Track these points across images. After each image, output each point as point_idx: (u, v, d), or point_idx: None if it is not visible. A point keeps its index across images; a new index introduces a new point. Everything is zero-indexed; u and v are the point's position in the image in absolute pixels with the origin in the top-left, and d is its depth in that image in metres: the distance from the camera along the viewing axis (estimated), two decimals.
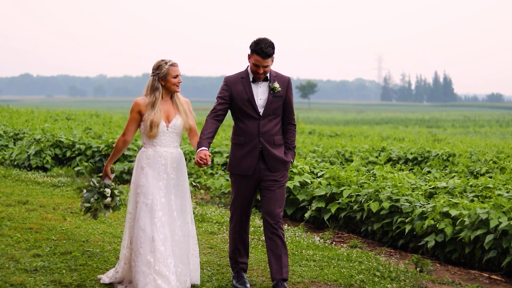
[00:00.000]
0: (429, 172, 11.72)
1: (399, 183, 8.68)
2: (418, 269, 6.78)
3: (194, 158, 13.31)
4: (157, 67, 5.68)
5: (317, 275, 6.46)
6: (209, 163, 5.59)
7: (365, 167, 11.75)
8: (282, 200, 5.85)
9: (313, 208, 8.80)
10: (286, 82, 5.84)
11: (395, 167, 11.82)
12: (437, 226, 7.23)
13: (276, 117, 5.82)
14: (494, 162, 12.20)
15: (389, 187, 8.39)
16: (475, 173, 11.25)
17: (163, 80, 5.69)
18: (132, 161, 13.21)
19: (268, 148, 5.75)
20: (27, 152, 13.91)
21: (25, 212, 8.98)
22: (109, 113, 38.58)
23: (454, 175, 10.76)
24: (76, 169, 13.14)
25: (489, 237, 6.61)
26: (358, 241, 8.01)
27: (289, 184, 8.99)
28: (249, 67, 5.80)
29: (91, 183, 6.11)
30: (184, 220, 5.76)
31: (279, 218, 5.80)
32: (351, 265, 6.87)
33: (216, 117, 5.77)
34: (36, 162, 13.57)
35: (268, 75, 5.77)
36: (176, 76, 5.70)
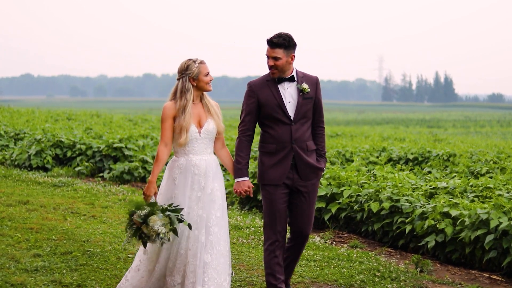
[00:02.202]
0: (429, 172, 11.72)
1: (400, 183, 8.68)
2: (418, 269, 6.79)
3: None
4: (186, 68, 5.27)
5: (318, 275, 6.46)
6: (252, 195, 5.40)
7: (366, 167, 11.75)
8: (312, 214, 5.49)
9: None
10: (314, 82, 5.44)
11: (395, 167, 11.82)
12: (438, 226, 7.24)
13: (308, 121, 5.42)
14: (495, 162, 12.19)
15: (389, 187, 8.39)
16: (475, 173, 11.25)
17: (195, 80, 5.27)
18: (132, 161, 13.21)
19: (301, 155, 5.34)
20: (28, 152, 13.93)
21: (26, 212, 8.98)
22: (110, 113, 38.61)
23: (455, 175, 10.76)
24: (76, 169, 13.16)
25: (490, 237, 6.61)
26: (358, 241, 8.02)
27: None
28: None
29: (149, 204, 5.10)
30: (208, 234, 5.20)
31: (308, 233, 5.51)
32: (351, 265, 6.87)
33: (248, 134, 5.39)
34: (37, 162, 13.58)
35: (295, 75, 5.38)
36: (207, 74, 5.31)
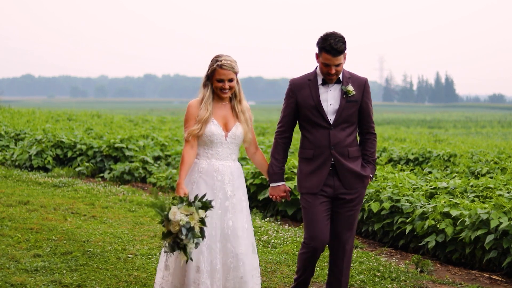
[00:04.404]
0: (430, 172, 11.70)
1: (400, 183, 8.68)
2: (418, 269, 6.78)
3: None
4: (210, 62, 4.88)
5: (318, 275, 6.45)
6: (289, 199, 5.10)
7: None
8: (354, 223, 5.08)
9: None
10: (362, 84, 5.02)
11: (396, 168, 11.81)
12: (438, 226, 7.23)
13: (350, 126, 4.99)
14: (495, 163, 12.18)
15: (389, 188, 8.39)
16: (476, 173, 11.24)
17: (209, 79, 4.90)
18: (133, 162, 13.21)
19: (341, 161, 4.93)
20: (28, 152, 13.94)
21: (26, 212, 8.99)
22: (110, 113, 38.62)
23: (455, 176, 10.74)
24: (77, 169, 13.16)
25: (490, 237, 6.60)
26: (358, 242, 8.01)
27: (290, 184, 8.97)
28: (318, 68, 4.97)
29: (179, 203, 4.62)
30: (239, 246, 4.83)
31: (345, 245, 5.07)
32: (351, 265, 6.86)
33: (285, 136, 5.06)
34: (37, 162, 13.59)
35: (340, 76, 4.96)
36: (221, 81, 4.82)
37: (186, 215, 4.50)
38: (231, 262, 4.81)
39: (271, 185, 5.05)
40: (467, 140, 25.00)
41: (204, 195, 4.60)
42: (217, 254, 4.75)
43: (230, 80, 4.85)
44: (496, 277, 6.67)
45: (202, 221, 4.53)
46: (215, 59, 4.85)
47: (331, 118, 4.92)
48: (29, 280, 5.91)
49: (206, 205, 4.57)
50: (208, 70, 4.87)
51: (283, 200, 5.17)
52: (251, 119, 5.01)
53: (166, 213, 4.54)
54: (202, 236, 4.54)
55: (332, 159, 4.93)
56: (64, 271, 6.25)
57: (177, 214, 4.48)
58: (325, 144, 4.93)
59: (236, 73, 4.88)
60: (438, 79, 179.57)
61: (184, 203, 4.54)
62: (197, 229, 4.50)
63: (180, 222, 4.45)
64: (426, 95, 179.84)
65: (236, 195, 4.88)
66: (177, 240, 4.50)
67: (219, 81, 4.83)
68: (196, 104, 4.88)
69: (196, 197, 4.59)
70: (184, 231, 4.45)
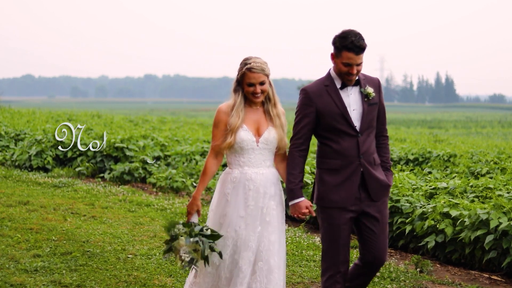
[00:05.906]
0: (430, 172, 11.70)
1: (400, 183, 8.68)
2: (418, 269, 6.78)
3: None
4: (239, 66, 4.61)
5: (317, 276, 6.46)
6: (314, 214, 4.74)
7: None
8: (387, 238, 4.78)
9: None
10: (377, 85, 4.67)
11: (396, 168, 11.81)
12: (438, 226, 7.23)
13: (373, 130, 4.67)
14: (495, 163, 12.18)
15: None
16: (475, 173, 11.24)
17: (240, 84, 4.61)
18: (133, 162, 13.21)
19: (370, 170, 4.58)
20: (28, 152, 13.94)
21: (26, 212, 8.99)
22: (110, 113, 38.61)
23: (455, 176, 10.74)
24: (77, 169, 13.17)
25: (489, 238, 6.60)
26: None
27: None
28: (332, 70, 4.63)
29: (191, 226, 4.48)
30: (267, 260, 4.54)
31: (384, 260, 4.77)
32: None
33: (302, 149, 4.64)
34: (37, 162, 13.59)
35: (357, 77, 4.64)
36: (252, 85, 4.53)
37: (188, 251, 4.35)
38: (237, 275, 4.51)
39: (290, 203, 4.66)
40: (467, 140, 25.00)
41: (217, 235, 4.41)
42: (244, 265, 4.50)
43: (262, 83, 4.55)
44: (495, 277, 6.68)
45: (206, 259, 4.37)
46: (244, 62, 4.57)
47: (356, 124, 4.56)
48: (29, 280, 5.92)
49: (214, 250, 4.40)
50: (237, 75, 4.59)
51: (306, 218, 4.85)
52: (285, 126, 4.69)
53: (173, 235, 4.39)
54: (206, 261, 4.39)
55: (362, 169, 4.57)
56: (64, 271, 6.25)
57: (182, 249, 4.35)
58: (353, 154, 4.55)
59: (267, 75, 4.59)
60: (438, 79, 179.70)
61: (192, 240, 4.34)
62: (200, 262, 4.40)
63: (182, 257, 4.35)
64: (426, 95, 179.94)
65: (267, 204, 4.58)
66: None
67: (249, 85, 4.54)
68: (226, 109, 4.58)
69: (214, 235, 4.40)
70: (185, 265, 4.37)
